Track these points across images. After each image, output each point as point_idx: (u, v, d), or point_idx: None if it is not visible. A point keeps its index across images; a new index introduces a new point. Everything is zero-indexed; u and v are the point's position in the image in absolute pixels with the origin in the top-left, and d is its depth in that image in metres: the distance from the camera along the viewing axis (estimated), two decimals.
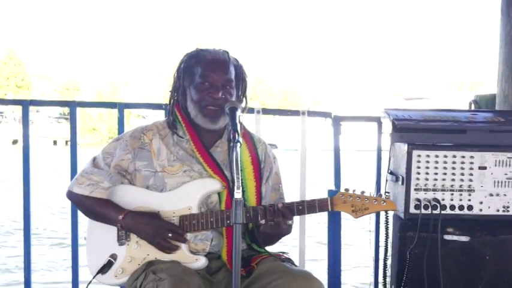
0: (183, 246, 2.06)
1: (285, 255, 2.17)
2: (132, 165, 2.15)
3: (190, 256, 2.05)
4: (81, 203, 2.19)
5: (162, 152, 2.15)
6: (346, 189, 2.07)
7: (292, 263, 2.13)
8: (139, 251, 2.09)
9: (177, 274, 1.89)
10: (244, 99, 2.23)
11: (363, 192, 2.06)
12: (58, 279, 5.36)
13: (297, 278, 1.92)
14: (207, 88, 2.10)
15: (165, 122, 2.23)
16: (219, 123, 2.12)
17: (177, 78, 2.19)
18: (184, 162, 2.13)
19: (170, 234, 2.04)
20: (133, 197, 2.13)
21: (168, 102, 2.27)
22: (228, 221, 2.03)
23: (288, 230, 2.11)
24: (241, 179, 1.75)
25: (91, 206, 2.15)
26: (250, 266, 2.05)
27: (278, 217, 1.99)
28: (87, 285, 2.15)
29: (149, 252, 2.08)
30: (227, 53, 2.18)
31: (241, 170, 1.85)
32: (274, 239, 2.15)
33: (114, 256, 2.11)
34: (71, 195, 2.21)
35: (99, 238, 2.17)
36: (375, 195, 2.07)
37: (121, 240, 2.12)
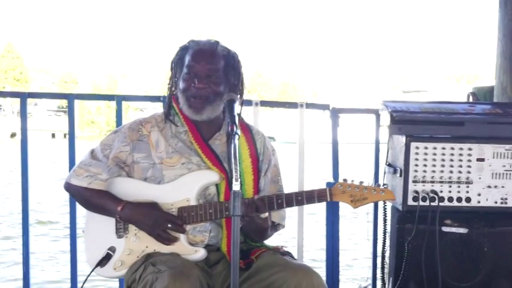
0: (182, 238, 2.06)
1: (284, 248, 2.17)
2: (130, 157, 2.14)
3: (189, 248, 2.05)
4: (79, 195, 2.19)
5: (161, 144, 2.15)
6: (345, 180, 2.06)
7: (292, 256, 2.12)
8: (138, 244, 2.09)
9: (177, 266, 1.88)
10: (240, 89, 2.20)
11: (361, 183, 2.06)
12: (57, 272, 5.36)
13: (297, 271, 1.92)
14: (191, 78, 2.09)
15: (163, 114, 2.22)
16: (205, 114, 2.11)
17: (172, 70, 2.20)
18: (183, 154, 2.13)
19: (170, 225, 2.03)
20: (131, 189, 2.13)
21: (165, 94, 2.27)
22: (227, 213, 2.02)
23: (265, 225, 2.07)
24: (240, 172, 1.74)
25: (89, 198, 2.15)
26: (249, 258, 2.05)
27: (251, 210, 1.96)
28: (86, 278, 2.14)
29: (148, 245, 2.08)
30: (217, 43, 2.16)
31: (239, 163, 1.85)
32: (256, 235, 2.13)
33: (112, 249, 2.11)
34: (69, 186, 2.20)
35: (97, 231, 2.16)
36: (373, 185, 2.07)
37: (119, 232, 2.11)
